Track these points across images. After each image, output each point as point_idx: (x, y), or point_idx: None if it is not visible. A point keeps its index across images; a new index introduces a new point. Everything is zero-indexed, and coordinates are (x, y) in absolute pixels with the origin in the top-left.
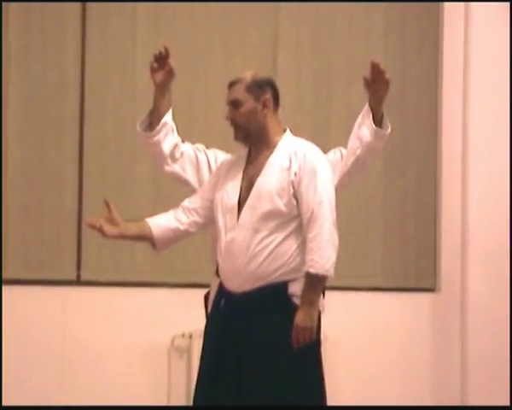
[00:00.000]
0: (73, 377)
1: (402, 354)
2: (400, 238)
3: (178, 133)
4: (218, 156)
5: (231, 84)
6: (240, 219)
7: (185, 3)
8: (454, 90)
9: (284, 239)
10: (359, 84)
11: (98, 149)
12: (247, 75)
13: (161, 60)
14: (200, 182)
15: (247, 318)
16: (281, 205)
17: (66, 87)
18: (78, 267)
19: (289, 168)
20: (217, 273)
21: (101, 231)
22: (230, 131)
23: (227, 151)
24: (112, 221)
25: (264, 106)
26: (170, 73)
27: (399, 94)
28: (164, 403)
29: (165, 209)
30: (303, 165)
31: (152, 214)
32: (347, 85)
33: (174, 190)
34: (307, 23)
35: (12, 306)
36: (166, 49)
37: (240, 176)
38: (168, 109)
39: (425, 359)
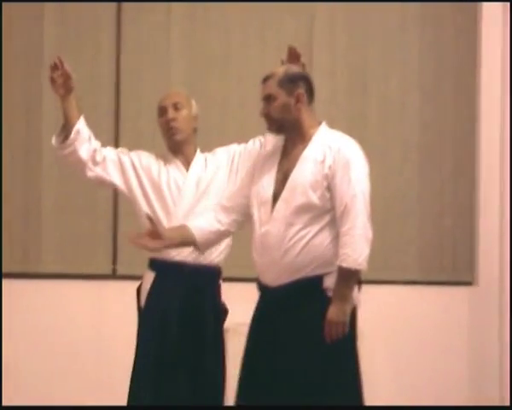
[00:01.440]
0: (109, 372)
1: (438, 349)
2: (437, 231)
3: (213, 127)
4: (142, 157)
5: (265, 80)
6: (274, 213)
7: None
8: (492, 82)
9: (318, 232)
10: (395, 78)
11: (133, 144)
12: (280, 70)
13: (57, 69)
14: (127, 182)
15: (283, 311)
16: (314, 198)
17: (101, 84)
18: (114, 262)
19: (323, 161)
20: (150, 266)
21: (145, 248)
22: (263, 126)
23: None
24: (155, 235)
25: (298, 100)
26: (69, 81)
27: (436, 88)
28: None
29: None
30: (337, 158)
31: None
32: (383, 79)
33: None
34: (343, 17)
35: (49, 299)
36: (59, 58)
37: (275, 169)
38: (79, 117)
39: (461, 355)
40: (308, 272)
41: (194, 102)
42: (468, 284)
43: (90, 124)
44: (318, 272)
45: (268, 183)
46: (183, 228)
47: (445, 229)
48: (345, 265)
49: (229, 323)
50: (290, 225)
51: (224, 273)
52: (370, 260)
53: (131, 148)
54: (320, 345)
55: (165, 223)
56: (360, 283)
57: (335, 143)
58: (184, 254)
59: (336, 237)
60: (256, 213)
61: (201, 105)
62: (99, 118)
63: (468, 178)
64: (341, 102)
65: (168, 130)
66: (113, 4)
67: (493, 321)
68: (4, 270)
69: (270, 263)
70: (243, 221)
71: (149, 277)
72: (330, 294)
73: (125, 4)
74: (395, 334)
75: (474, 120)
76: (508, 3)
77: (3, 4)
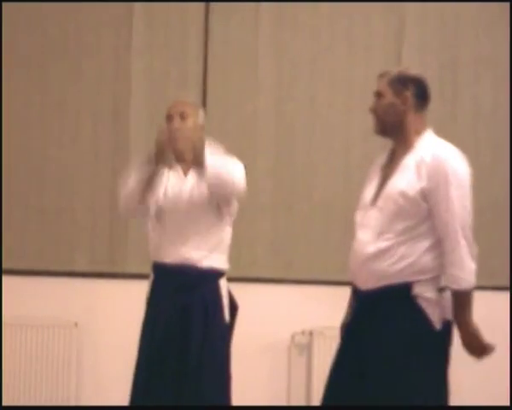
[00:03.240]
0: None
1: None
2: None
3: (301, 128)
4: None
5: (379, 76)
6: (367, 219)
7: None
8: None
9: (411, 242)
10: (486, 79)
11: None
12: (395, 69)
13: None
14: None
15: (371, 315)
16: (408, 208)
17: (188, 83)
18: None
19: (422, 171)
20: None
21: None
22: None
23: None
24: None
25: (403, 102)
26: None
27: None
28: (283, 402)
29: (285, 205)
30: (438, 170)
31: (273, 209)
32: (474, 79)
33: (294, 185)
34: (433, 17)
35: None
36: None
37: (379, 174)
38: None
39: (502, 362)
40: (398, 278)
41: (201, 112)
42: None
43: None
44: (408, 279)
45: (370, 188)
46: None
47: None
48: (456, 287)
49: (313, 325)
50: (381, 233)
51: (306, 276)
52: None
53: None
54: (406, 352)
55: (158, 232)
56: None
57: (438, 154)
58: (174, 257)
59: (430, 247)
60: (357, 217)
61: (289, 105)
62: None
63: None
64: (431, 102)
65: (171, 139)
66: (201, 4)
67: None
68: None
69: (360, 267)
70: None
71: (150, 279)
72: (419, 301)
73: (213, 4)
74: None
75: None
76: (508, 3)
77: (97, 5)
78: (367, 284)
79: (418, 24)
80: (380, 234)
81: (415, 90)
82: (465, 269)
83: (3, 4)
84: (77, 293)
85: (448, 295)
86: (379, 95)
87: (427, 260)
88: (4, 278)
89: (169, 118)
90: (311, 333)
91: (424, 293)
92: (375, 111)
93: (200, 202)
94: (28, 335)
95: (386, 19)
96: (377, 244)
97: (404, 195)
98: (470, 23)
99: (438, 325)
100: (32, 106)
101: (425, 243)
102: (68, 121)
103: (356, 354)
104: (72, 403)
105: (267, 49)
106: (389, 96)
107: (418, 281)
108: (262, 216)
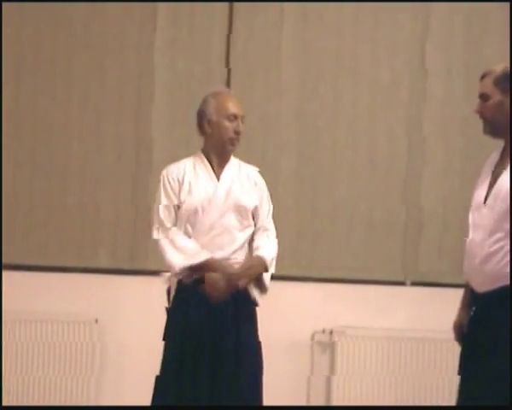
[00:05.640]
0: None
1: None
2: None
3: (324, 127)
4: (172, 187)
5: (482, 77)
6: (479, 219)
7: None
8: None
9: None
10: None
11: (244, 143)
12: (498, 68)
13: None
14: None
15: (486, 317)
16: None
17: (211, 82)
18: None
19: None
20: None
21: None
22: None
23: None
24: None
25: None
26: None
27: None
28: (303, 401)
29: (309, 204)
30: None
31: (296, 208)
32: None
33: (317, 185)
34: (459, 15)
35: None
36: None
37: (490, 174)
38: None
39: None
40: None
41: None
42: None
43: None
44: None
45: (482, 187)
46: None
47: None
48: None
49: (335, 325)
50: (493, 232)
51: (329, 275)
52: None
53: (242, 148)
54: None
55: (190, 231)
56: None
57: None
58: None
59: None
60: (470, 217)
61: (313, 105)
62: None
63: None
64: (456, 102)
65: (231, 138)
66: (225, 4)
67: None
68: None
69: (473, 269)
70: None
71: (174, 280)
72: None
73: (236, 4)
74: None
75: None
76: (508, 3)
77: (121, 4)
78: (483, 286)
79: (443, 23)
80: (491, 234)
81: None
82: None
83: (30, 2)
84: (98, 289)
85: None
86: (485, 96)
87: None
88: (28, 275)
89: (234, 116)
90: (331, 332)
91: None
92: (481, 114)
93: (232, 207)
94: (49, 330)
95: (411, 18)
96: (489, 244)
97: None
98: (498, 20)
99: None
100: (54, 103)
101: None
102: (91, 118)
103: (473, 356)
104: (92, 401)
105: (291, 47)
106: (497, 96)
107: None
108: (285, 215)
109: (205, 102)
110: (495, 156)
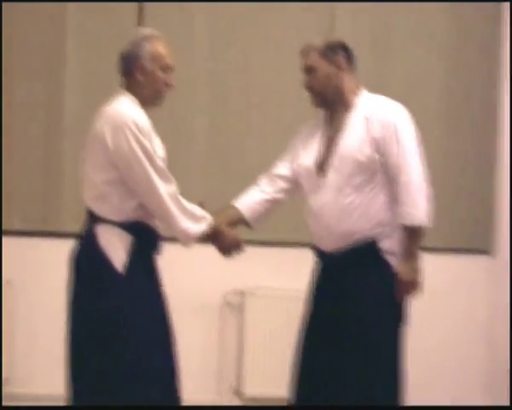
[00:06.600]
0: None
1: (457, 319)
2: (455, 199)
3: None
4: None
5: (304, 52)
6: (325, 181)
7: None
8: None
9: (370, 195)
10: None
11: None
12: (319, 40)
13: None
14: None
15: (341, 275)
16: (364, 164)
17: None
18: None
19: (370, 126)
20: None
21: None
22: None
23: None
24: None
25: (339, 68)
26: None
27: None
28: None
29: (219, 167)
30: (384, 121)
31: (207, 169)
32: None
33: (228, 148)
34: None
35: None
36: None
37: (319, 139)
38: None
39: (479, 328)
40: (364, 235)
41: None
42: (486, 252)
43: None
44: (374, 234)
45: (313, 152)
46: (230, 209)
47: (464, 198)
48: (408, 222)
49: (245, 286)
50: (342, 191)
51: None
52: None
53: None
54: (377, 308)
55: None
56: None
57: (381, 108)
58: None
59: (391, 199)
60: (304, 183)
61: (223, 67)
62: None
63: (489, 145)
64: None
65: (162, 92)
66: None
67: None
68: None
69: (326, 230)
70: (293, 188)
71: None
72: (387, 256)
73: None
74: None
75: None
76: (508, 3)
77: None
78: (336, 245)
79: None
80: (341, 192)
81: (344, 54)
82: (418, 207)
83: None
84: (10, 251)
85: None
86: (311, 69)
87: (390, 213)
88: None
89: (168, 68)
90: (242, 293)
91: (390, 248)
92: (311, 87)
93: None
94: None
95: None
96: (337, 203)
97: (359, 151)
98: None
99: None
100: None
101: (384, 196)
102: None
103: (330, 318)
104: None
105: (204, 15)
106: (324, 68)
107: (382, 234)
108: (196, 177)
109: (137, 45)
110: (312, 126)
